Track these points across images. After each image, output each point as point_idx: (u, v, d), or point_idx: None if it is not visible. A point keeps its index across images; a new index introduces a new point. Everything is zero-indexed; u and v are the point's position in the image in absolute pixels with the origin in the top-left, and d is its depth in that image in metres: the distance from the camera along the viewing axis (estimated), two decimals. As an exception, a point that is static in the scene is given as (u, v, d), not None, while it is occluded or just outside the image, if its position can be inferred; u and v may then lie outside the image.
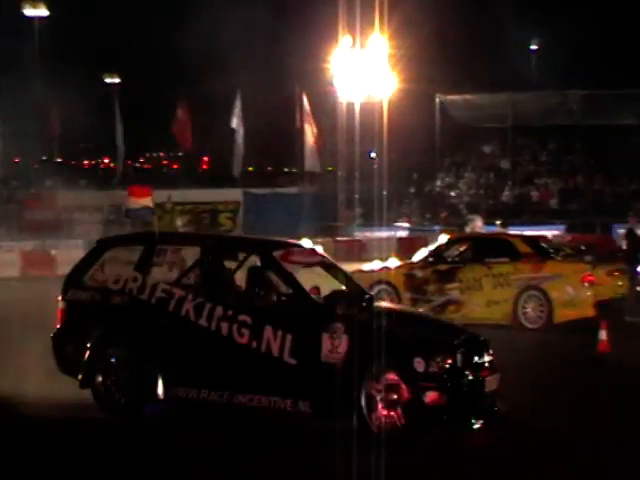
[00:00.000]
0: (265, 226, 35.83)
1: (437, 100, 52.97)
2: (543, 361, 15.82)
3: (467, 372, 10.33)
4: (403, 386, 10.10)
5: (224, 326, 10.73)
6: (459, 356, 10.31)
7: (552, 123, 54.15)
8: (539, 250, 20.28)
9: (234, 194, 45.95)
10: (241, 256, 11.77)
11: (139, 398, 11.13)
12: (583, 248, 22.45)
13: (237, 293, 11.29)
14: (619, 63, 61.20)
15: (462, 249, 20.75)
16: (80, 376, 11.42)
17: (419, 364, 10.10)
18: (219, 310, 10.80)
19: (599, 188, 52.89)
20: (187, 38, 51.77)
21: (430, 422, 10.13)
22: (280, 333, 10.50)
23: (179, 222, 35.15)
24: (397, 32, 43.80)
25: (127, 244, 12.52)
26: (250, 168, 63.12)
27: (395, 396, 10.12)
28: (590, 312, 19.11)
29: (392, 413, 10.11)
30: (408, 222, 47.18)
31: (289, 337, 10.47)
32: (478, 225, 29.55)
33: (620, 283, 21.76)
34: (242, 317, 10.70)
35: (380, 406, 10.14)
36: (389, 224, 42.13)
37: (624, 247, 22.01)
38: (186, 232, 11.88)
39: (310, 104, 45.96)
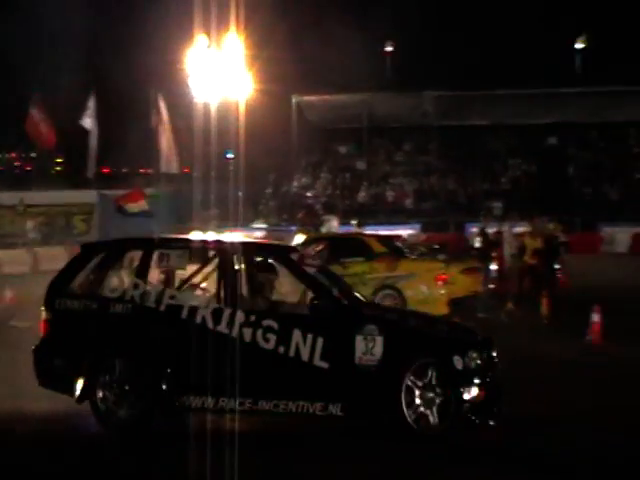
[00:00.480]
0: (120, 229, 35.23)
1: (293, 101, 53.15)
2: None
3: (491, 370, 10.65)
4: (443, 384, 10.24)
5: (247, 332, 10.37)
6: (485, 354, 10.58)
7: (407, 124, 54.97)
8: (394, 249, 20.53)
9: (89, 196, 45.13)
10: (257, 259, 11.26)
11: (147, 411, 10.48)
12: (437, 247, 22.82)
13: (258, 298, 10.90)
14: (472, 65, 62.47)
15: (318, 249, 20.84)
16: (78, 390, 10.64)
17: (458, 362, 10.25)
18: (240, 316, 10.41)
19: (453, 188, 53.99)
20: (41, 35, 50.67)
21: (470, 419, 10.25)
22: (310, 337, 10.27)
23: (29, 225, 34.18)
24: (253, 32, 43.71)
25: (118, 249, 11.42)
26: (105, 169, 62.12)
27: (433, 394, 10.25)
28: (444, 310, 19.43)
29: (429, 411, 10.23)
30: (265, 222, 47.13)
31: (320, 341, 10.26)
32: (334, 225, 29.74)
33: (473, 280, 22.26)
34: (267, 322, 10.37)
35: (420, 405, 10.24)
36: (245, 225, 42.04)
37: (477, 245, 22.50)
38: (188, 236, 10.85)
39: (166, 104, 45.50)
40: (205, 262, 10.88)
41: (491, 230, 23.97)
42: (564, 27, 64.00)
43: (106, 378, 10.51)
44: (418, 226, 48.31)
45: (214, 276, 10.78)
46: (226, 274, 10.57)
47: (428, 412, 10.24)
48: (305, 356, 10.24)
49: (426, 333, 10.69)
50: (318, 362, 10.24)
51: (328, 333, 10.29)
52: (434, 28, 65.08)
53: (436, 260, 20.98)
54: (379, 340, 10.20)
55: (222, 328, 10.34)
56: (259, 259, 11.23)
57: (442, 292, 19.59)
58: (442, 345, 10.47)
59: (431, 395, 10.25)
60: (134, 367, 10.46)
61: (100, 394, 10.56)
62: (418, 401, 10.24)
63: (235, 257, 10.76)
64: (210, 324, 10.36)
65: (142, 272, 10.71)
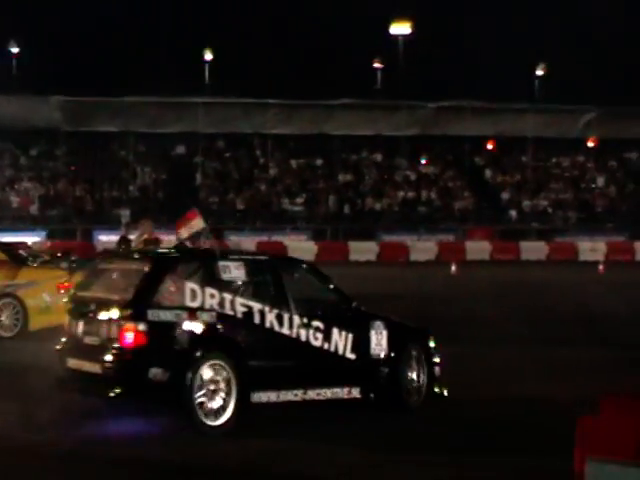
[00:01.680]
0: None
1: None
2: (17, 367, 15.58)
3: None
4: (424, 365, 12.78)
5: (302, 332, 12.00)
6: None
7: (34, 128, 53.54)
8: (14, 257, 19.92)
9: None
10: (292, 270, 12.78)
11: (235, 410, 11.33)
12: (59, 255, 22.37)
13: (305, 303, 12.32)
14: (101, 71, 61.97)
15: None
16: (179, 398, 11.09)
17: (432, 346, 13.02)
18: (296, 319, 11.97)
19: (80, 195, 53.24)
20: None
21: (440, 393, 12.92)
22: (344, 334, 12.32)
23: None
24: None
25: (188, 261, 12.20)
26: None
27: (417, 373, 12.74)
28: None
29: (411, 387, 12.73)
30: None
31: (350, 336, 12.35)
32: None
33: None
34: (315, 323, 12.12)
35: (409, 383, 12.70)
36: None
37: None
38: (244, 250, 14.52)
39: None
40: (258, 273, 12.20)
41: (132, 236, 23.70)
42: (195, 39, 65.23)
43: (200, 381, 11.19)
44: (44, 233, 47.32)
45: (265, 285, 12.13)
46: (279, 283, 12.12)
47: (410, 388, 12.67)
48: (341, 350, 12.30)
49: (408, 324, 13.31)
50: (349, 354, 12.36)
51: (354, 330, 12.42)
52: (65, 28, 63.99)
53: (59, 268, 20.59)
54: (385, 333, 12.60)
55: (285, 330, 11.90)
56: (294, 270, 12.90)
57: (65, 300, 19.20)
58: (421, 333, 13.16)
59: (415, 374, 12.70)
60: (224, 368, 11.32)
61: (200, 398, 11.16)
62: (407, 379, 12.64)
63: (280, 268, 12.50)
64: (276, 327, 11.84)
65: (213, 282, 11.62)
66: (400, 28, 63.90)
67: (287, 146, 58.33)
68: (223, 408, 11.21)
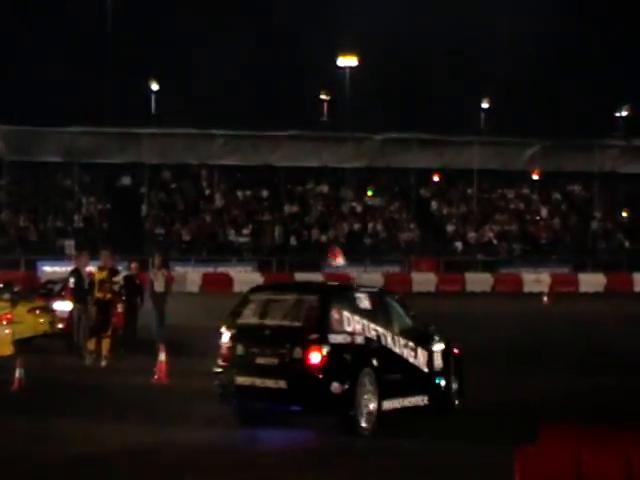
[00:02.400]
0: None
1: None
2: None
3: None
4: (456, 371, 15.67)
5: (405, 351, 14.75)
6: None
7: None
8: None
9: None
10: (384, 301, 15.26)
11: (378, 415, 13.81)
12: (1, 285, 22.20)
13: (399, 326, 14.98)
14: (45, 100, 61.72)
15: None
16: (351, 406, 13.38)
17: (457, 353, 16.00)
18: (402, 341, 14.71)
19: (24, 225, 52.76)
20: None
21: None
22: (423, 351, 15.06)
23: None
24: None
25: (346, 294, 14.77)
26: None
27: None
28: (8, 350, 18.98)
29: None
30: None
31: (425, 354, 15.09)
32: None
33: (41, 320, 21.94)
34: (410, 344, 14.83)
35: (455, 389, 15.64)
36: None
37: (72, 286, 21.78)
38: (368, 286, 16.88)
39: None
40: (375, 303, 14.72)
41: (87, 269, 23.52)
42: (141, 70, 65.21)
43: (363, 392, 13.64)
44: (-14, 264, 46.76)
45: (379, 312, 14.72)
46: (387, 311, 14.83)
47: (453, 393, 15.59)
48: (422, 365, 15.01)
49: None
50: (424, 368, 15.05)
51: (427, 348, 15.14)
52: (8, 55, 63.67)
53: (1, 299, 20.46)
54: (440, 346, 15.47)
55: (397, 349, 14.60)
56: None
57: (7, 332, 19.12)
58: (451, 345, 15.79)
59: (456, 382, 15.61)
60: (372, 381, 13.74)
61: (362, 404, 13.58)
62: (454, 387, 15.61)
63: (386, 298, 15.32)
64: (391, 346, 14.51)
65: (356, 311, 14.17)
66: (347, 60, 64.44)
67: (233, 177, 58.39)
68: (371, 414, 13.64)
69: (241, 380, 13.50)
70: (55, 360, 20.83)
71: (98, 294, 20.31)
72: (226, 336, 13.88)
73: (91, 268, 22.40)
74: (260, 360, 13.50)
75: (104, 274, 20.53)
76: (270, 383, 13.34)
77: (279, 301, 14.23)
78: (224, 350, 13.82)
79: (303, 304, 13.90)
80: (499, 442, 12.10)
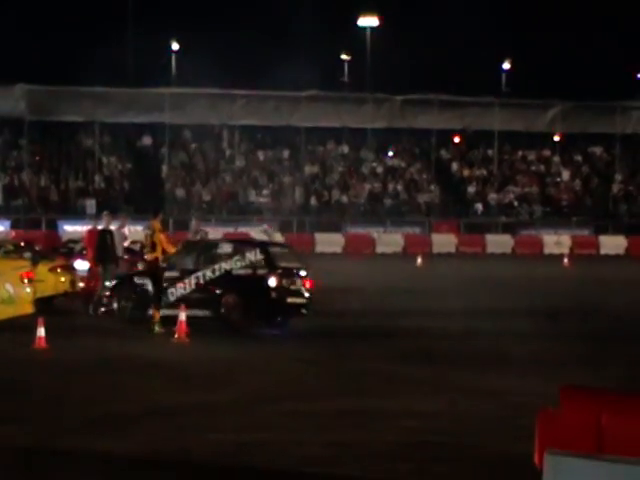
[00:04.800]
0: None
1: None
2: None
3: None
4: None
5: None
6: None
7: (2, 117, 52.88)
8: (-23, 247, 19.83)
9: None
10: None
11: None
12: (23, 244, 22.25)
13: None
14: (66, 59, 61.65)
15: None
16: None
17: None
18: None
19: (45, 185, 52.86)
20: None
21: None
22: None
23: None
24: None
25: None
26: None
27: None
28: (29, 309, 18.99)
29: None
30: None
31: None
32: None
33: (62, 279, 22.01)
34: None
35: None
36: None
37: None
38: None
39: None
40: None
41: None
42: (162, 29, 64.87)
43: None
44: (8, 223, 46.95)
45: None
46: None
47: None
48: None
49: None
50: None
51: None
52: (30, 16, 63.55)
53: (22, 258, 20.49)
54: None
55: None
56: None
57: (28, 290, 19.11)
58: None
59: None
60: None
61: None
62: None
63: None
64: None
65: None
66: (368, 20, 64.00)
67: (254, 137, 58.24)
68: None
69: None
70: (76, 320, 20.88)
71: (156, 254, 19.70)
72: None
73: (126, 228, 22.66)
74: None
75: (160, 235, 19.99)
76: None
77: None
78: None
79: None
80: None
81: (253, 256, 20.03)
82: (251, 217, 52.26)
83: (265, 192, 54.82)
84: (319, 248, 49.02)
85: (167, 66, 65.31)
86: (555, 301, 26.42)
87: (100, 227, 23.39)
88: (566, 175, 59.45)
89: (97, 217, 27.20)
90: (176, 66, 66.19)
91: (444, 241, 50.82)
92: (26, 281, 19.08)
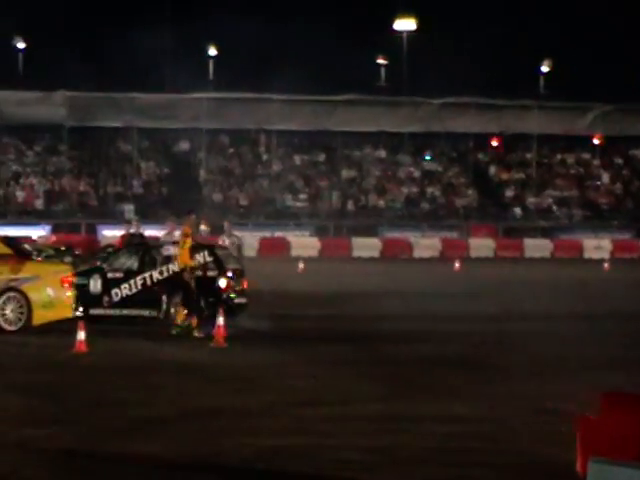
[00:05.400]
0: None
1: None
2: (21, 363, 15.61)
3: None
4: None
5: None
6: None
7: (38, 123, 53.50)
8: (19, 251, 19.95)
9: None
10: None
11: None
12: (63, 249, 22.41)
13: None
14: (107, 66, 62.03)
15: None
16: None
17: None
18: None
19: (84, 190, 53.29)
20: None
21: None
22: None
23: None
24: None
25: None
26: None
27: None
28: (69, 313, 19.15)
29: None
30: None
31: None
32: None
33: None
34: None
35: None
36: None
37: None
38: None
39: None
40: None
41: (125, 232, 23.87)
42: (199, 35, 65.13)
43: None
44: (48, 227, 47.33)
45: None
46: None
47: None
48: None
49: None
50: None
51: None
52: (69, 24, 64.06)
53: (63, 262, 20.64)
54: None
55: None
56: None
57: (68, 294, 19.27)
58: None
59: None
60: None
61: None
62: None
63: None
64: None
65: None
66: (404, 24, 63.89)
67: (291, 142, 58.33)
68: None
69: None
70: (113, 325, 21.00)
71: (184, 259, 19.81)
72: None
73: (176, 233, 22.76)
74: None
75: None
76: None
77: None
78: None
79: None
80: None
81: (202, 258, 20.33)
82: (287, 221, 52.33)
83: (302, 196, 54.88)
84: (356, 252, 48.96)
85: (204, 71, 65.50)
86: (595, 305, 26.20)
87: (132, 231, 23.60)
88: (606, 178, 59.00)
89: (132, 222, 27.38)
90: (213, 71, 66.35)
91: (482, 245, 50.60)
92: (66, 285, 19.27)
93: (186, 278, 19.44)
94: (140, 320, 19.95)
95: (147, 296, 20.20)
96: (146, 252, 21.15)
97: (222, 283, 20.15)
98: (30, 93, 52.60)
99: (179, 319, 19.31)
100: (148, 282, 20.45)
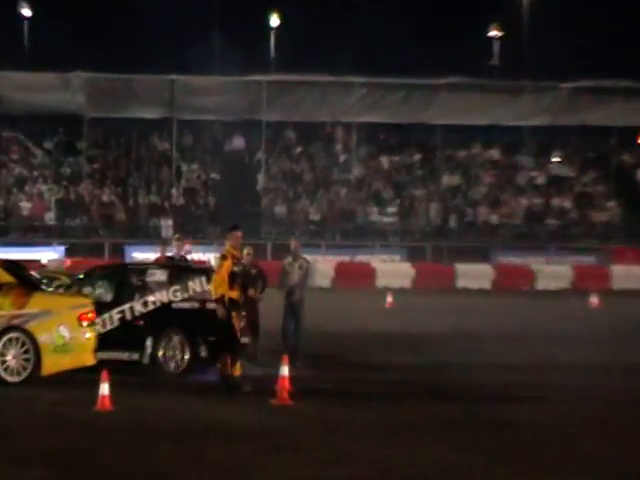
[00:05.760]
0: None
1: None
2: (33, 426, 15.72)
3: None
4: None
5: None
6: None
7: (50, 113, 54.00)
8: (23, 279, 20.13)
9: None
10: None
11: None
12: (81, 277, 22.55)
13: None
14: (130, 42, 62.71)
15: None
16: None
17: None
18: None
19: (109, 199, 53.63)
20: None
21: None
22: None
23: None
24: None
25: None
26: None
27: None
28: (89, 359, 19.23)
29: None
30: None
31: None
32: None
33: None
34: None
35: None
36: None
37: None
38: None
39: None
40: None
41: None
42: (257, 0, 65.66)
43: None
44: (62, 249, 47.86)
45: None
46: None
47: None
48: None
49: None
50: None
51: None
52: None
53: (81, 294, 20.76)
54: None
55: None
56: None
57: (88, 336, 19.32)
58: None
59: None
60: None
61: None
62: None
63: None
64: None
65: None
66: (525, -14, 63.79)
67: (376, 139, 58.37)
68: None
69: None
70: (146, 372, 21.09)
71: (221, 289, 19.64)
72: None
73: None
74: None
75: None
76: None
77: None
78: None
79: None
80: None
81: (199, 286, 20.70)
82: (373, 242, 52.27)
83: (390, 209, 54.86)
84: (461, 282, 48.82)
85: (264, 47, 65.84)
86: None
87: (169, 254, 23.71)
88: None
89: (168, 241, 27.62)
90: (275, 47, 66.67)
91: (628, 274, 50.11)
92: (86, 324, 19.37)
93: (220, 314, 19.21)
94: (118, 365, 20.05)
95: (126, 334, 20.64)
96: (124, 277, 21.49)
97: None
98: (38, 74, 53.01)
99: (225, 370, 19.18)
100: (127, 316, 20.90)
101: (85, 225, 52.38)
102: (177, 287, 21.17)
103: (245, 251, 23.46)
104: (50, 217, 52.67)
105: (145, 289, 21.19)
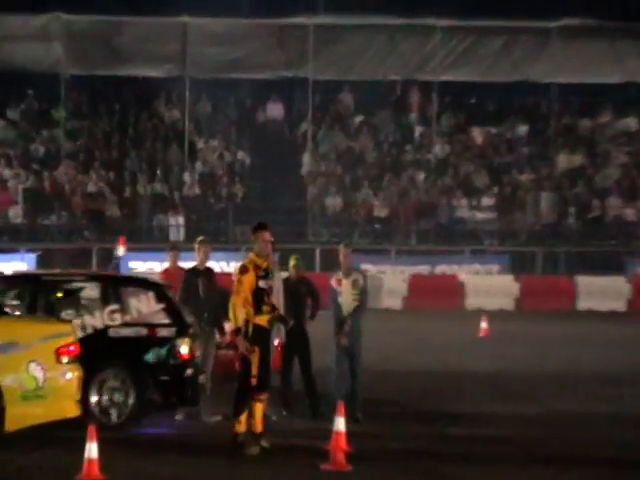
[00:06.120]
0: None
1: None
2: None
3: None
4: None
5: None
6: None
7: (17, 69, 54.07)
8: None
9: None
10: None
11: None
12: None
13: None
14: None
15: None
16: None
17: None
18: None
19: (96, 188, 53.44)
20: None
21: None
22: None
23: None
24: None
25: None
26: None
27: None
28: (72, 409, 19.26)
29: None
30: None
31: None
32: None
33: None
34: None
35: None
36: None
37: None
38: None
39: None
40: None
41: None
42: None
43: None
44: (33, 256, 48.11)
45: None
46: None
47: None
48: None
49: None
50: None
51: None
52: None
53: (59, 319, 20.83)
54: None
55: None
56: None
57: (69, 377, 19.35)
58: None
59: None
60: None
61: None
62: None
63: None
64: None
65: None
66: None
67: (465, 105, 58.37)
68: None
69: None
70: (150, 424, 21.22)
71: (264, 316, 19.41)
72: None
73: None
74: None
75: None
76: None
77: None
78: None
79: None
80: None
81: (145, 305, 20.96)
82: (460, 246, 52.19)
83: (485, 202, 54.81)
84: (583, 302, 48.81)
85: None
86: None
87: (187, 265, 23.75)
88: None
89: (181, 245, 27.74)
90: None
91: None
92: (66, 360, 19.39)
93: (244, 348, 18.93)
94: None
95: None
96: (37, 293, 21.53)
97: (183, 349, 20.81)
98: (4, 17, 53.23)
99: (241, 427, 19.14)
100: None
101: (64, 224, 52.56)
102: (115, 307, 21.12)
103: (291, 262, 23.41)
104: (16, 213, 52.87)
105: (68, 310, 21.05)
